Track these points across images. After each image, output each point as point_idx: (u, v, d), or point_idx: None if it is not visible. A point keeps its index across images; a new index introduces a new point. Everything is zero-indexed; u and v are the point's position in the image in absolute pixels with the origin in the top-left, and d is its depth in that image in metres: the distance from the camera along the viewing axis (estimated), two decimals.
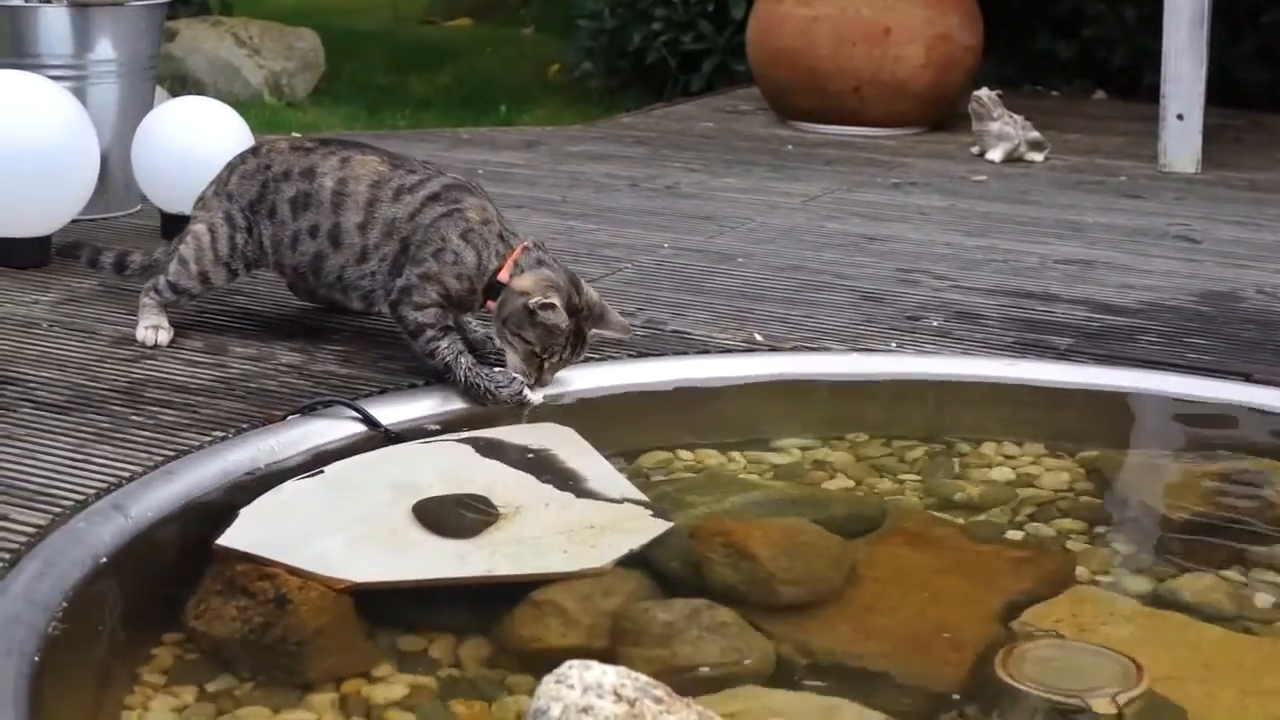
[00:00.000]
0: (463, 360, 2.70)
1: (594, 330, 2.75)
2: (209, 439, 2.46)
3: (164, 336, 2.92)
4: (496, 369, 2.72)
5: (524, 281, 2.68)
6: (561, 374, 2.75)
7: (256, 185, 2.90)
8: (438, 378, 2.73)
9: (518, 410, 2.67)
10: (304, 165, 2.87)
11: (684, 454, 2.62)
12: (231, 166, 2.97)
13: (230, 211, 2.91)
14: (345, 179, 2.84)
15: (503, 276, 2.72)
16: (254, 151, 2.98)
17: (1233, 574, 2.24)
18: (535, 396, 2.69)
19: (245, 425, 2.52)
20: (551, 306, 2.63)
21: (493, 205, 2.83)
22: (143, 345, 2.90)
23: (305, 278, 2.91)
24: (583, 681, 1.53)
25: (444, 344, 2.72)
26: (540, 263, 2.73)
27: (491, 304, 2.73)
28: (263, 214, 2.89)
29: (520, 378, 2.69)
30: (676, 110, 6.08)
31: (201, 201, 2.97)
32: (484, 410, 2.66)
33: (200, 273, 2.93)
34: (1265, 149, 5.39)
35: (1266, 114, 6.00)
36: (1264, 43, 6.25)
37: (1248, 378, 2.92)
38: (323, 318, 3.08)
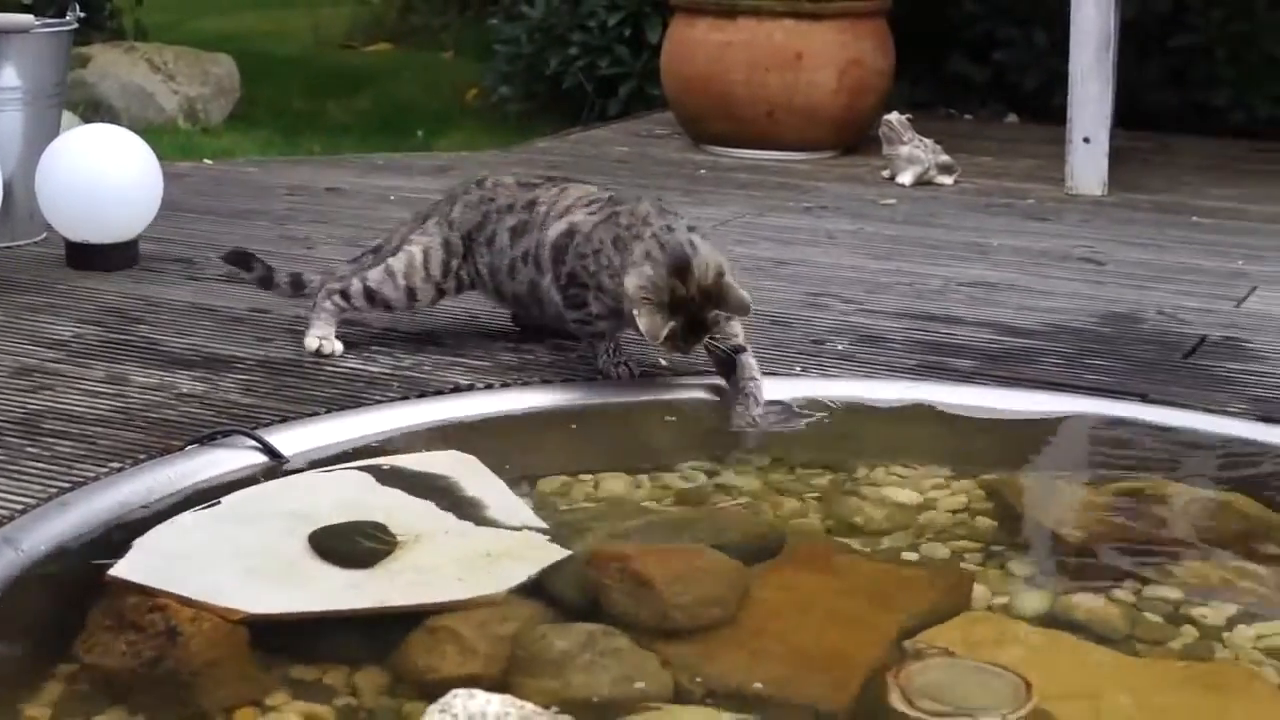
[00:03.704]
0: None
1: (714, 312, 2.75)
2: (106, 470, 2.45)
3: (331, 347, 3.00)
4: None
5: (628, 284, 2.74)
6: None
7: (478, 215, 3.02)
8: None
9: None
10: (527, 198, 3.00)
11: (586, 479, 2.62)
12: (454, 196, 3.08)
13: (449, 238, 3.02)
14: (556, 200, 2.96)
15: None
16: (479, 183, 3.09)
17: (1125, 594, 2.27)
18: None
19: (144, 456, 2.51)
20: (639, 318, 2.71)
21: (652, 204, 2.89)
22: (308, 351, 2.98)
23: (529, 309, 3.03)
24: (466, 710, 1.54)
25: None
26: (648, 255, 2.75)
27: None
28: (480, 242, 3.00)
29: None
30: (592, 135, 6.09)
31: (421, 226, 3.07)
32: (382, 438, 2.66)
33: (409, 288, 3.02)
34: (1171, 171, 5.45)
35: (1174, 136, 6.06)
36: (1172, 66, 6.34)
37: (1144, 398, 2.96)
38: (228, 347, 3.06)
